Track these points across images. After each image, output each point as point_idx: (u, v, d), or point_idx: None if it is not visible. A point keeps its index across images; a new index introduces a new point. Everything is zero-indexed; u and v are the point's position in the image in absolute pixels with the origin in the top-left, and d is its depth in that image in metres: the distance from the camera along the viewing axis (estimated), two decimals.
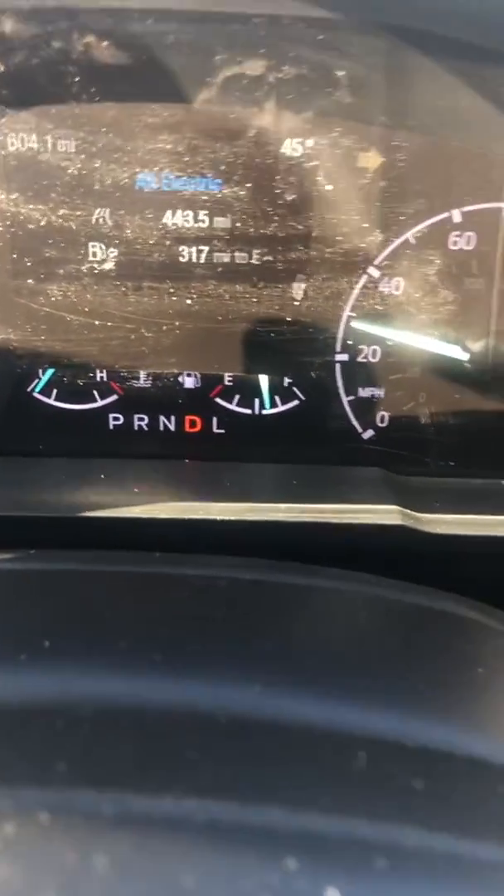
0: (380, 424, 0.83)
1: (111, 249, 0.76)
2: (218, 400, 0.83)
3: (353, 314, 0.79)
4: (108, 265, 0.76)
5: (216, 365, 0.81)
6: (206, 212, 0.75)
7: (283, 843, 0.29)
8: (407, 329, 0.80)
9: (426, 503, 0.75)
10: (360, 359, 0.81)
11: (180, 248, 0.76)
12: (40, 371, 0.81)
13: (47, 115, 0.70)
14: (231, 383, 0.82)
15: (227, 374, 0.82)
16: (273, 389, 0.82)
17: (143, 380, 0.82)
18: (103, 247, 0.76)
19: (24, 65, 0.67)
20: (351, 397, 0.82)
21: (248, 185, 0.73)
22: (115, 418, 0.83)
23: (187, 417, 0.84)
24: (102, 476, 0.78)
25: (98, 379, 0.81)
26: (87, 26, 0.65)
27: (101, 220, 0.75)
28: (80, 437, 0.83)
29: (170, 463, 0.82)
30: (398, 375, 0.81)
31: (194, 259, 0.76)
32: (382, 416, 0.83)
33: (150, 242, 0.76)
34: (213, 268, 0.77)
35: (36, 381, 0.82)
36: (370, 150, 0.74)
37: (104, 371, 0.81)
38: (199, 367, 0.81)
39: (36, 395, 0.82)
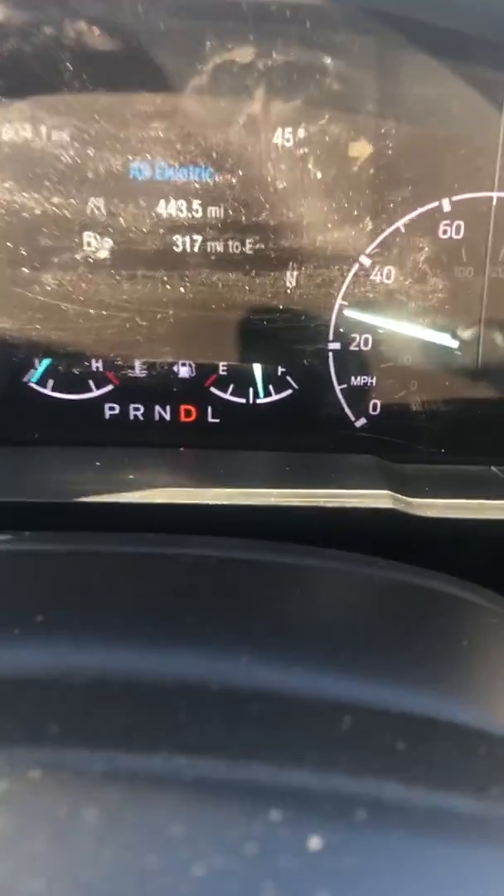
0: (372, 412, 0.84)
1: (105, 238, 0.77)
2: (212, 389, 0.84)
3: (345, 302, 0.80)
4: (103, 254, 0.77)
5: (210, 354, 0.82)
6: (200, 201, 0.76)
7: (267, 796, 0.30)
8: (398, 317, 0.81)
9: (417, 488, 0.76)
10: (352, 347, 0.82)
11: (174, 237, 0.77)
12: (36, 361, 0.82)
13: (40, 104, 0.72)
14: (225, 373, 0.83)
15: (221, 364, 0.83)
16: (267, 378, 0.83)
17: (138, 369, 0.83)
18: (98, 236, 0.77)
19: (17, 52, 0.68)
20: (343, 386, 0.83)
21: (240, 172, 0.74)
22: (111, 408, 0.84)
23: (182, 407, 0.85)
24: (98, 463, 0.79)
25: (94, 369, 0.82)
26: (78, 12, 0.66)
27: (95, 210, 0.76)
28: (76, 427, 0.84)
29: (165, 451, 0.83)
30: (389, 364, 0.83)
31: (188, 248, 0.77)
32: (374, 404, 0.84)
33: (144, 231, 0.77)
34: (206, 256, 0.78)
35: (32, 371, 0.83)
36: (360, 139, 0.75)
37: (100, 361, 0.82)
38: (193, 356, 0.82)
39: (32, 384, 0.83)
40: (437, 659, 0.46)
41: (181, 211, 0.76)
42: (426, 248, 0.79)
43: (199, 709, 0.36)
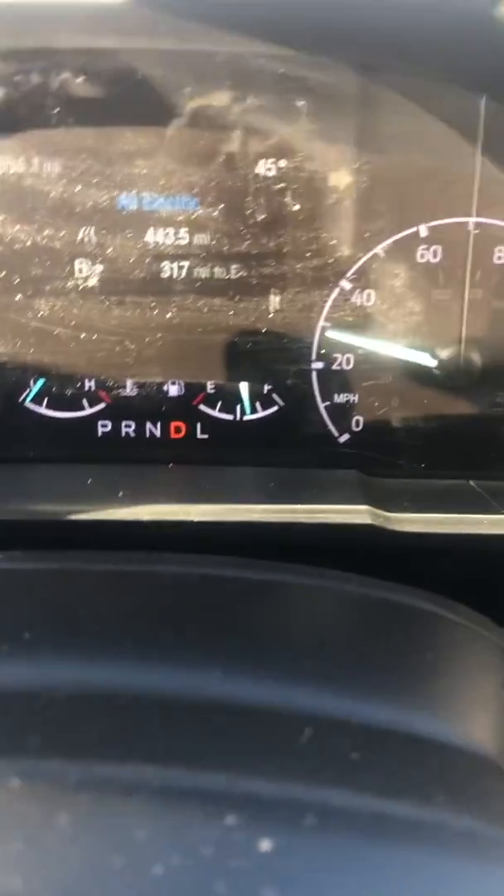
0: (355, 429, 0.87)
1: (95, 266, 0.80)
2: (201, 407, 0.87)
3: (327, 324, 0.83)
4: (93, 281, 0.81)
5: (198, 374, 0.85)
6: (186, 229, 0.80)
7: (224, 803, 0.33)
8: (379, 338, 0.84)
9: (397, 503, 0.79)
10: (334, 366, 0.85)
11: (161, 265, 0.81)
12: (31, 381, 0.85)
13: (30, 143, 0.75)
14: (213, 391, 0.86)
15: (209, 383, 0.86)
16: (253, 396, 0.87)
17: (129, 388, 0.86)
18: (88, 264, 0.80)
19: (6, 98, 0.72)
20: (327, 403, 0.86)
21: (221, 206, 0.77)
22: (104, 425, 0.87)
23: (172, 424, 0.88)
24: (89, 481, 0.82)
25: (86, 388, 0.86)
26: (62, 64, 0.69)
27: (85, 240, 0.79)
28: (69, 444, 0.87)
29: (154, 468, 0.86)
30: (371, 382, 0.85)
31: (174, 275, 0.81)
32: (357, 421, 0.87)
33: (132, 260, 0.80)
34: (191, 283, 0.81)
35: (27, 390, 0.86)
36: (339, 169, 0.78)
37: (92, 381, 0.85)
38: (182, 375, 0.86)
39: (27, 404, 0.86)
40: (399, 672, 0.49)
41: (168, 239, 0.80)
42: (404, 273, 0.82)
43: (170, 723, 0.39)
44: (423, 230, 0.81)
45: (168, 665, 0.44)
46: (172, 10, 0.52)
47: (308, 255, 0.80)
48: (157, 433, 0.88)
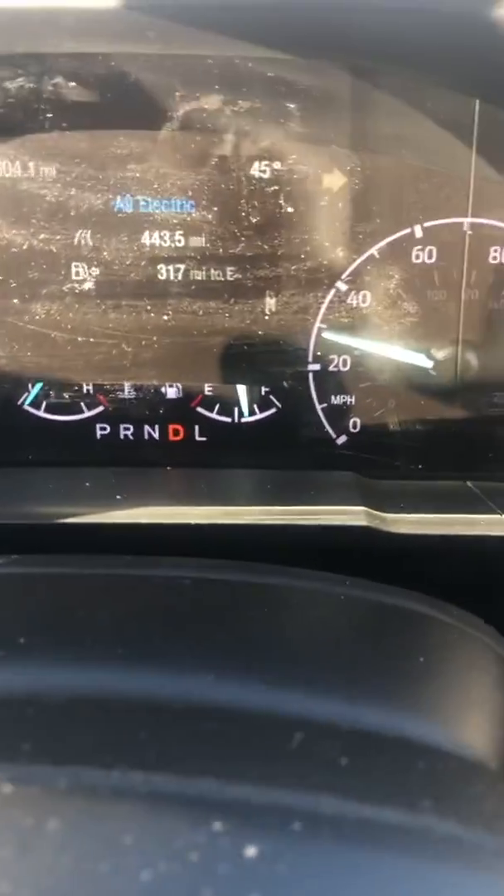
0: (352, 430, 0.87)
1: (92, 270, 0.81)
2: (199, 409, 0.87)
3: (323, 325, 0.84)
4: (89, 285, 0.81)
5: (196, 376, 0.86)
6: (182, 232, 0.80)
7: (211, 809, 0.34)
8: (375, 339, 0.84)
9: (394, 504, 0.79)
10: (331, 368, 0.85)
11: (157, 267, 0.81)
12: (29, 385, 0.86)
13: (24, 148, 0.76)
14: (211, 393, 0.87)
15: (206, 385, 0.86)
16: (251, 398, 0.87)
17: (127, 392, 0.86)
18: (84, 267, 0.80)
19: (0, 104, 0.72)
20: (324, 405, 0.86)
21: (216, 209, 0.78)
22: (102, 428, 0.88)
23: (170, 426, 0.88)
24: (87, 484, 0.82)
25: (84, 392, 0.86)
26: (54, 69, 0.70)
27: (81, 243, 0.80)
28: (68, 447, 0.87)
29: (152, 470, 0.86)
30: (368, 383, 0.86)
31: (171, 277, 0.81)
32: (354, 423, 0.87)
33: (128, 263, 0.80)
34: (187, 286, 0.81)
35: (25, 394, 0.86)
36: (332, 171, 0.78)
37: (90, 384, 0.86)
38: (179, 378, 0.86)
39: (26, 407, 0.87)
40: (391, 675, 0.49)
41: (164, 241, 0.80)
42: (400, 274, 0.82)
43: (159, 728, 0.40)
44: (419, 231, 0.81)
45: (158, 670, 0.44)
46: (163, 15, 0.52)
47: (303, 256, 0.80)
48: (156, 436, 0.88)
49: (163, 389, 0.86)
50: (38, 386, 0.86)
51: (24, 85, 0.70)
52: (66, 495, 0.81)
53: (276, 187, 0.77)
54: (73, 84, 0.71)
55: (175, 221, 0.79)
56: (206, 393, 0.87)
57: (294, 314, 0.83)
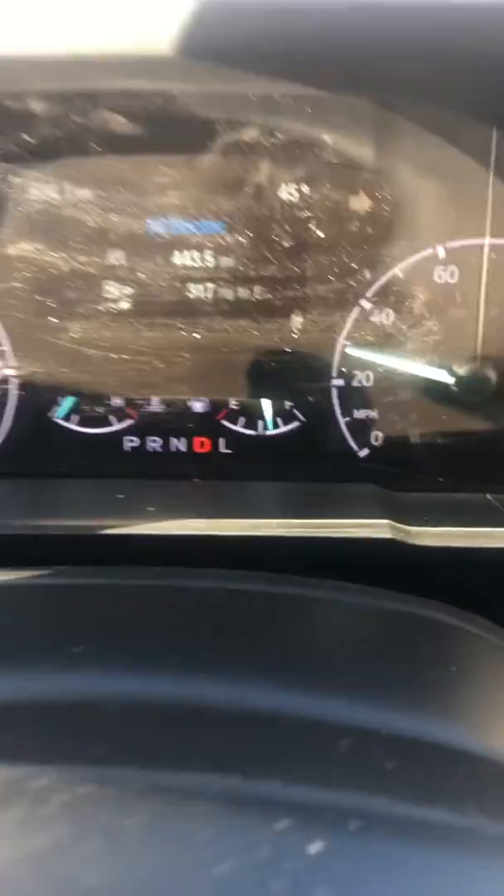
0: (374, 444, 0.90)
1: (126, 289, 0.83)
2: (224, 422, 0.90)
3: (348, 343, 0.86)
4: (123, 304, 0.84)
5: (223, 391, 0.88)
6: (212, 253, 0.83)
7: (277, 808, 0.36)
8: (398, 355, 0.87)
9: (416, 517, 0.81)
10: (354, 383, 0.88)
11: (188, 287, 0.84)
12: (61, 399, 0.88)
13: (68, 176, 0.79)
14: (237, 407, 0.89)
15: (232, 399, 0.89)
16: (275, 412, 0.89)
17: (155, 405, 0.89)
18: (119, 287, 0.83)
19: (49, 136, 0.75)
20: (347, 419, 0.89)
21: (247, 232, 0.81)
22: (131, 440, 0.90)
23: (196, 439, 0.90)
24: (121, 496, 0.85)
25: (114, 406, 0.89)
26: (102, 103, 0.73)
27: (116, 264, 0.82)
28: (97, 459, 0.90)
29: (179, 483, 0.88)
30: (390, 398, 0.88)
31: (201, 296, 0.84)
32: (377, 436, 0.90)
33: (161, 283, 0.83)
34: (217, 305, 0.84)
35: (57, 408, 0.89)
36: (359, 194, 0.81)
37: (120, 399, 0.88)
38: (207, 393, 0.89)
39: (57, 420, 0.89)
40: (426, 684, 0.52)
41: (195, 262, 0.83)
42: (423, 293, 0.84)
43: (222, 733, 0.42)
44: (441, 251, 0.83)
45: (215, 679, 0.47)
46: (208, 55, 0.55)
47: (330, 277, 0.83)
48: (183, 448, 0.91)
49: (189, 403, 0.89)
50: (70, 401, 0.89)
51: (73, 119, 0.74)
52: (98, 507, 0.83)
53: (307, 213, 0.80)
54: (119, 117, 0.74)
55: (207, 243, 0.82)
56: (232, 406, 0.89)
57: (320, 332, 0.85)
